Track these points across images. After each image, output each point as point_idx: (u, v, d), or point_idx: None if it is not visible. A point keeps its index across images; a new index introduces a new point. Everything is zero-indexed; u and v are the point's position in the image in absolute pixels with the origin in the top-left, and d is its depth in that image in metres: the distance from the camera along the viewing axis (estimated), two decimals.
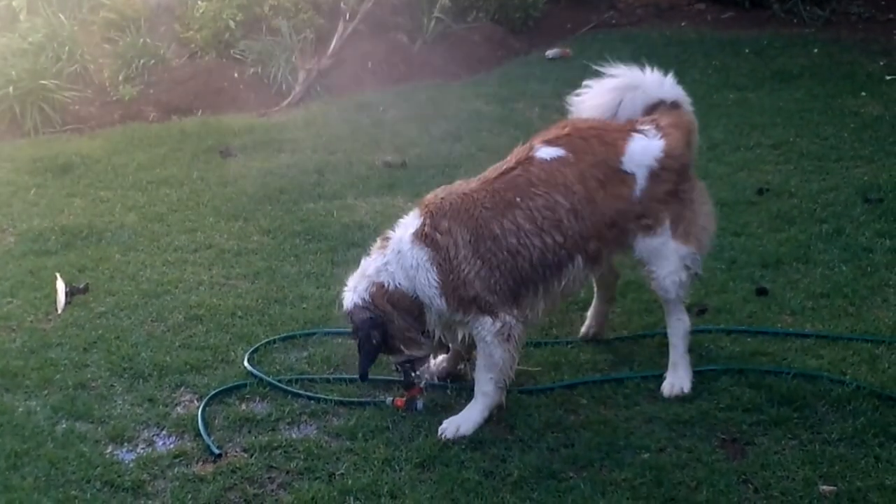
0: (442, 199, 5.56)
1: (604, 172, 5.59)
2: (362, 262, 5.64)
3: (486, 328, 5.47)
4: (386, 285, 5.51)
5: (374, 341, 5.55)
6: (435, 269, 5.43)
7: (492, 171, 5.68)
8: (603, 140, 5.68)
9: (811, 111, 10.70)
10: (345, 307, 5.64)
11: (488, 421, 5.49)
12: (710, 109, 10.87)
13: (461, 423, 5.46)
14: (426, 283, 5.44)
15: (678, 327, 5.85)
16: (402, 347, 5.63)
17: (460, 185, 5.66)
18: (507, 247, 5.44)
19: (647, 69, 6.03)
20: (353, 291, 5.60)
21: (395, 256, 5.51)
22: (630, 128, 5.76)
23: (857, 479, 4.96)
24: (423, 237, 5.47)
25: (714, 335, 6.34)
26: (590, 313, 6.40)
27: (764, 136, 9.96)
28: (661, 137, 5.71)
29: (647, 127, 5.76)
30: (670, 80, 6.05)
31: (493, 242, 5.43)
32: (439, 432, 5.42)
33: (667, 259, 5.73)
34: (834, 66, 12.31)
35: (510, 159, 5.68)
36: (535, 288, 5.56)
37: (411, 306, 5.53)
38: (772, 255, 7.34)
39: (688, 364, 5.82)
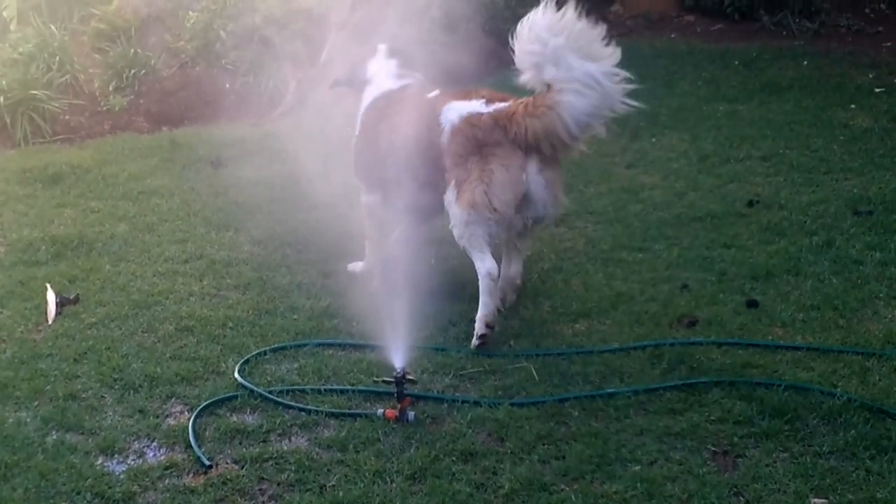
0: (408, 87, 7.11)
1: (431, 117, 6.68)
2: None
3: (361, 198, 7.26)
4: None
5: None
6: (358, 122, 7.22)
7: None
8: (462, 95, 6.80)
9: (801, 123, 10.72)
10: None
11: (477, 432, 5.50)
12: (700, 121, 10.90)
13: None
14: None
15: (478, 273, 6.49)
16: None
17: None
18: (380, 144, 6.94)
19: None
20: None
21: (378, 77, 7.32)
22: (468, 91, 6.89)
23: (848, 492, 4.97)
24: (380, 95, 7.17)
25: (705, 347, 6.34)
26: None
27: (754, 148, 9.98)
28: (486, 105, 6.62)
29: (502, 101, 6.70)
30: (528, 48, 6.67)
31: (373, 136, 7.01)
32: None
33: (451, 215, 6.57)
34: (823, 78, 12.35)
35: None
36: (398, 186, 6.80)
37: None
38: (762, 267, 7.35)
39: (486, 303, 6.44)
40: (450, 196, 6.54)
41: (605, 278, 7.28)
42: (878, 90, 11.80)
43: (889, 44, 13.90)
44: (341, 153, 8.88)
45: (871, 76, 12.38)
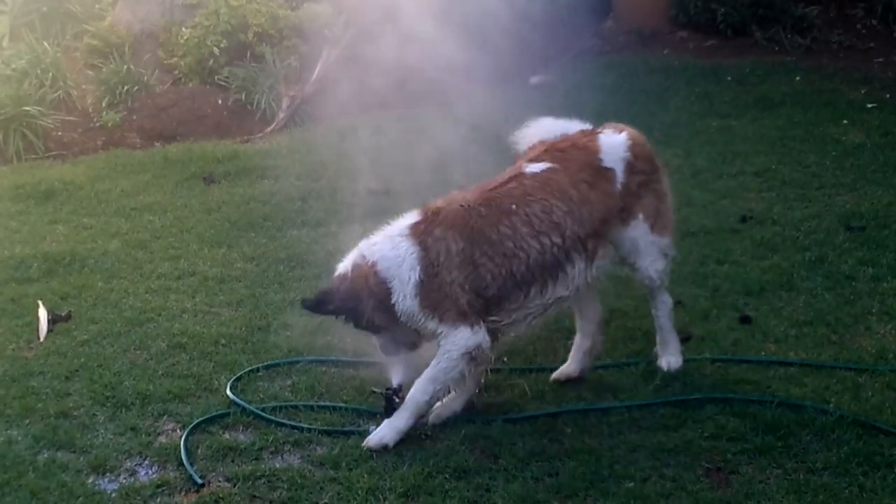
0: (440, 207, 5.77)
1: (590, 174, 5.91)
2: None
3: (458, 341, 5.57)
4: (368, 263, 5.68)
5: (340, 305, 5.77)
6: (419, 268, 5.58)
7: (486, 183, 5.92)
8: (576, 145, 6.02)
9: (793, 139, 10.74)
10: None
11: (471, 449, 5.48)
12: (693, 137, 10.91)
13: (385, 433, 5.56)
14: (405, 278, 5.59)
15: (664, 308, 6.27)
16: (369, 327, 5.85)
17: (458, 195, 5.87)
18: (504, 251, 5.67)
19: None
20: (346, 259, 5.84)
21: (386, 240, 5.71)
22: (591, 131, 6.17)
23: None
24: (417, 234, 5.66)
25: (698, 363, 6.33)
26: (571, 353, 6.32)
27: (747, 164, 9.99)
28: (620, 132, 6.11)
29: (604, 128, 6.19)
30: None
31: (489, 247, 5.66)
32: (364, 445, 5.51)
33: (646, 251, 6.09)
34: (815, 93, 12.35)
35: (502, 176, 5.92)
36: (529, 290, 5.75)
37: (383, 295, 5.64)
38: (755, 282, 7.36)
39: (677, 339, 6.30)
40: (639, 230, 6.06)
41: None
42: (870, 106, 11.82)
43: (881, 59, 13.93)
44: (336, 169, 8.92)
45: (863, 92, 12.40)
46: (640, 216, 6.02)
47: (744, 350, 6.51)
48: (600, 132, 6.12)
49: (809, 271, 7.52)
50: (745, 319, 6.86)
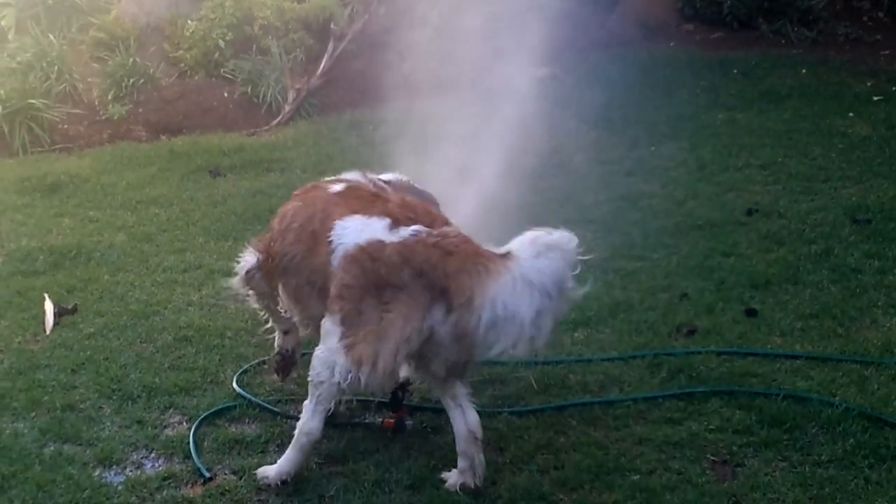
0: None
1: (313, 229, 5.29)
2: None
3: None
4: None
5: None
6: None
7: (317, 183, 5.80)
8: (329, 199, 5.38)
9: (799, 132, 10.73)
10: None
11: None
12: (699, 130, 10.90)
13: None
14: None
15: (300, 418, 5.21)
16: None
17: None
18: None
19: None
20: None
21: None
22: (394, 212, 5.13)
23: (846, 501, 4.96)
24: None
25: (704, 356, 6.32)
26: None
27: (753, 157, 9.98)
28: (390, 235, 5.02)
29: (414, 224, 5.05)
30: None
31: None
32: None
33: (321, 347, 5.08)
34: (822, 86, 12.35)
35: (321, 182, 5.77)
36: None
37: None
38: (761, 275, 7.35)
39: (291, 459, 5.21)
40: (329, 327, 5.05)
41: (604, 287, 7.26)
42: (876, 98, 11.80)
43: (887, 52, 13.91)
44: (342, 162, 8.87)
45: (869, 84, 12.39)
46: (336, 316, 5.02)
47: (749, 343, 6.50)
48: (385, 216, 5.09)
49: (815, 264, 7.52)
50: (750, 312, 6.85)
